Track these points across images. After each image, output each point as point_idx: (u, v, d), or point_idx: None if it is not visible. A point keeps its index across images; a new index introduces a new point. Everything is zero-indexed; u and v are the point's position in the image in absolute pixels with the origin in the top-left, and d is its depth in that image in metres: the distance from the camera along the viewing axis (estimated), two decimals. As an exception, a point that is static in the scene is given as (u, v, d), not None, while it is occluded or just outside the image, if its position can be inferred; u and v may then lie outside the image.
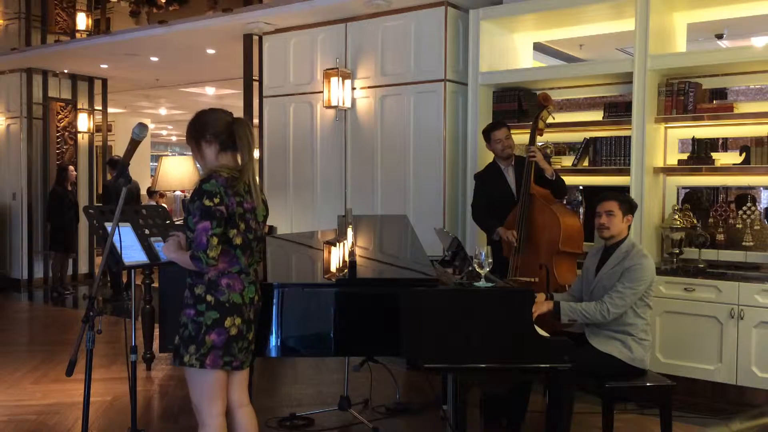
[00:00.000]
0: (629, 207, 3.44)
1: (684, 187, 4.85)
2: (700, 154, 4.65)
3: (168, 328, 2.96)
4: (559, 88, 5.33)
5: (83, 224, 8.69)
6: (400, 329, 2.77)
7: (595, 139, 4.99)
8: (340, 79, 5.90)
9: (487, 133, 4.58)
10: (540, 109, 4.38)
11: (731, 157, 4.67)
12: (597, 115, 5.08)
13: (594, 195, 3.94)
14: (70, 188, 8.54)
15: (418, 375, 4.79)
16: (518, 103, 5.32)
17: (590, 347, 3.32)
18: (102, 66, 8.92)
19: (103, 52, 8.11)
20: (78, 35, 8.49)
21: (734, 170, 4.56)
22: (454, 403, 3.04)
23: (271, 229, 6.00)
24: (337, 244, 3.87)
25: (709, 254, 4.59)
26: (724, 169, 4.61)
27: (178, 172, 9.39)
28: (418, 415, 4.16)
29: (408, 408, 4.22)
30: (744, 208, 4.56)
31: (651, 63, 4.58)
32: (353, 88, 6.02)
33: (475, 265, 2.86)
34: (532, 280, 4.08)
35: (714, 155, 4.67)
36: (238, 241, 2.55)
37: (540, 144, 4.64)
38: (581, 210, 5.12)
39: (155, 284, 5.08)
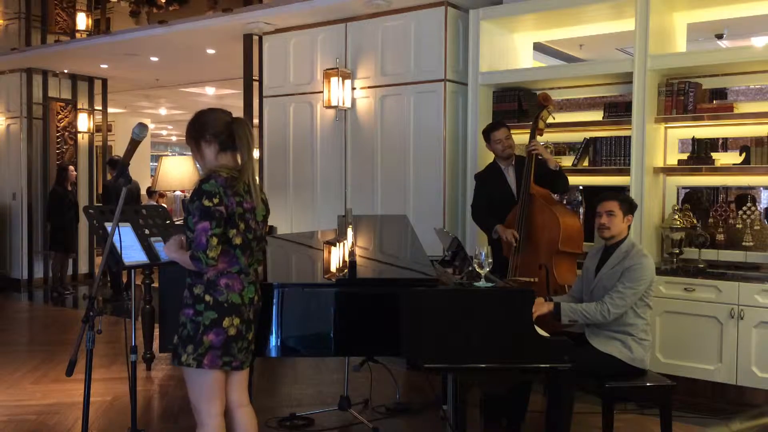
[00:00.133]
0: (629, 207, 3.45)
1: (684, 187, 4.85)
2: (700, 154, 4.65)
3: (168, 328, 2.95)
4: (559, 88, 5.33)
5: (83, 224, 8.68)
6: (400, 329, 2.77)
7: (595, 139, 4.99)
8: (340, 79, 5.90)
9: (487, 133, 4.57)
10: (540, 109, 4.37)
11: (731, 157, 4.67)
12: (597, 115, 5.08)
13: (594, 195, 3.94)
14: (70, 188, 8.53)
15: (418, 375, 4.79)
16: (518, 103, 5.32)
17: (590, 347, 3.32)
18: (102, 66, 8.91)
19: (103, 52, 8.11)
20: (78, 35, 8.49)
21: (734, 170, 4.56)
22: (454, 403, 3.04)
23: (271, 229, 6.00)
24: (337, 244, 3.87)
25: (709, 254, 4.59)
26: (724, 169, 4.61)
27: (178, 172, 9.41)
28: (418, 415, 4.16)
29: (408, 408, 4.22)
30: (744, 208, 4.56)
31: (651, 63, 4.58)
32: (353, 88, 6.02)
33: (475, 265, 2.86)
34: (532, 280, 4.07)
35: (714, 155, 4.67)
36: (237, 241, 2.55)
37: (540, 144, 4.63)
38: (581, 210, 5.11)
39: (155, 284, 5.08)
